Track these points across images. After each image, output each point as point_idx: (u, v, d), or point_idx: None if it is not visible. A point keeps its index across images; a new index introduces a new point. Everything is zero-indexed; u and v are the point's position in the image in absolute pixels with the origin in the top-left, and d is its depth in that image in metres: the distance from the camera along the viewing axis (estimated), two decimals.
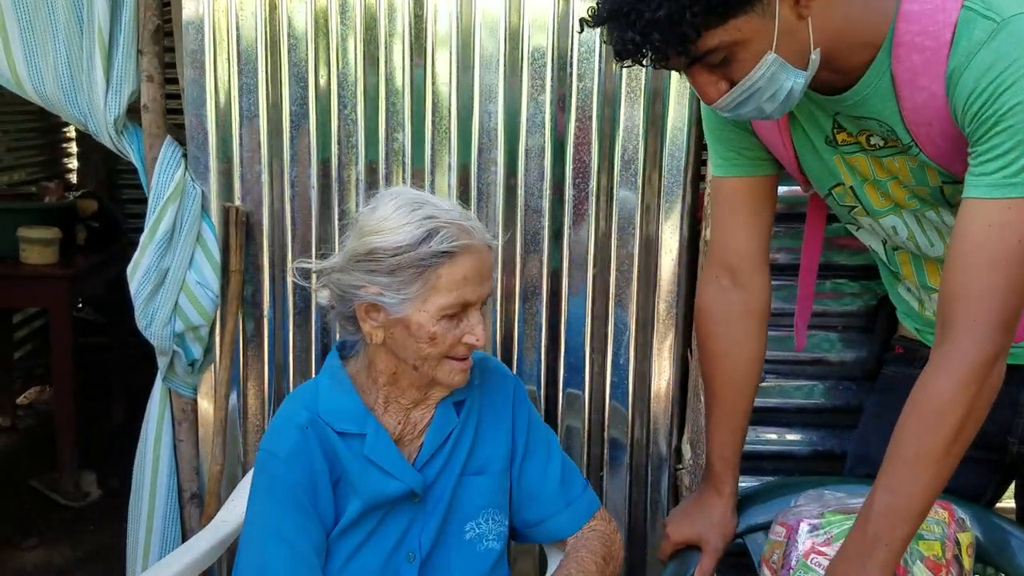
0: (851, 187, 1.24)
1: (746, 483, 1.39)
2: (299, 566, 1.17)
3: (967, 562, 1.19)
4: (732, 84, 1.03)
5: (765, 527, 1.31)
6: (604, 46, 1.74)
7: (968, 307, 1.02)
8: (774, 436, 1.82)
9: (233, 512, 1.48)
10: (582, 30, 1.06)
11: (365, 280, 1.14)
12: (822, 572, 1.15)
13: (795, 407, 1.82)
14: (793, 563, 1.18)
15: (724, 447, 1.34)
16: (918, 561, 1.14)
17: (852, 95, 1.10)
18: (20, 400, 3.60)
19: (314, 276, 1.21)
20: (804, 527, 1.20)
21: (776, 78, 1.02)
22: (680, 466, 1.86)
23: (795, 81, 1.03)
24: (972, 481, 1.37)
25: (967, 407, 1.03)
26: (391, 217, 1.14)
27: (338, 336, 1.32)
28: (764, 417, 1.80)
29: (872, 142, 1.16)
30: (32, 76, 1.73)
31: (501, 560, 1.30)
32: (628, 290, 1.84)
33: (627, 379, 1.86)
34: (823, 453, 1.81)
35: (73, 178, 4.05)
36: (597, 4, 1.01)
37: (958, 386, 1.03)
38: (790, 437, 1.82)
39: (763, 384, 1.80)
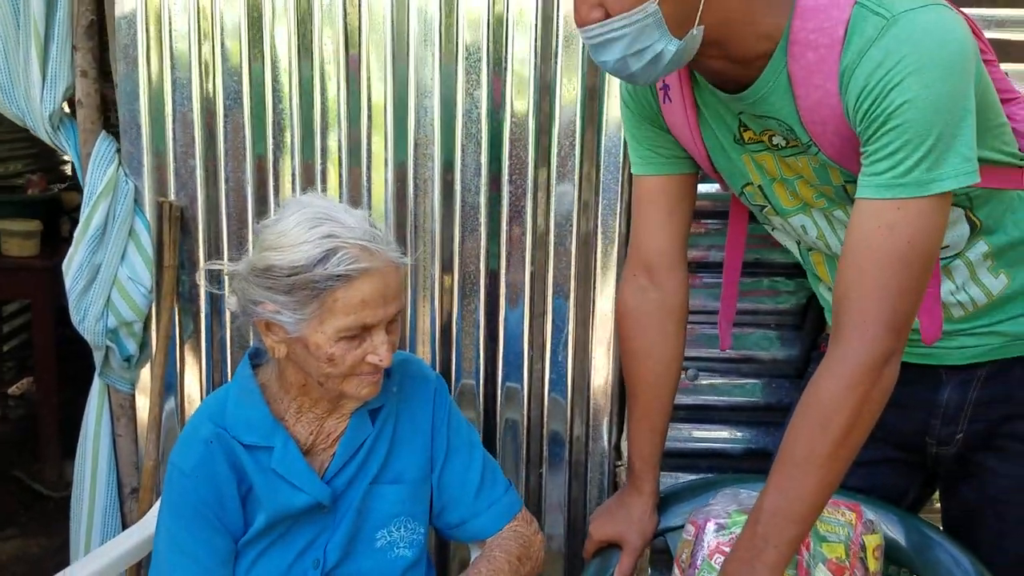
0: (759, 186, 1.23)
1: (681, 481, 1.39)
2: None
3: (873, 564, 1.19)
4: (608, 16, 0.99)
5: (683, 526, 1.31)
6: (539, 42, 1.74)
7: (858, 307, 1.01)
8: (708, 434, 1.82)
9: None
10: None
11: (263, 296, 1.12)
12: None
13: (729, 405, 1.82)
14: (698, 563, 1.18)
15: (643, 446, 1.34)
16: (820, 564, 1.13)
17: (751, 93, 1.09)
18: (12, 391, 3.63)
19: (226, 280, 1.21)
20: (711, 526, 1.20)
21: (648, 32, 0.99)
22: (620, 463, 1.86)
23: (666, 47, 1.00)
24: (892, 483, 1.37)
25: (855, 409, 1.02)
26: (290, 233, 1.11)
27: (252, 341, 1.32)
28: (698, 415, 1.80)
29: (775, 142, 1.15)
30: None
31: (416, 566, 1.30)
32: (566, 286, 1.84)
33: (566, 375, 1.86)
34: (757, 451, 1.81)
35: (68, 170, 4.06)
36: None
37: (846, 387, 1.01)
38: (724, 435, 1.81)
39: (697, 382, 1.81)
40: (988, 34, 1.22)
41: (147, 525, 1.46)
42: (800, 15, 1.03)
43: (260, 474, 1.20)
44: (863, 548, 1.18)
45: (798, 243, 1.31)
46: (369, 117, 1.78)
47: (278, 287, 1.11)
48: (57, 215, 2.95)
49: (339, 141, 1.78)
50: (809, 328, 1.56)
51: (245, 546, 1.22)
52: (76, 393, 1.92)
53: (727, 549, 1.16)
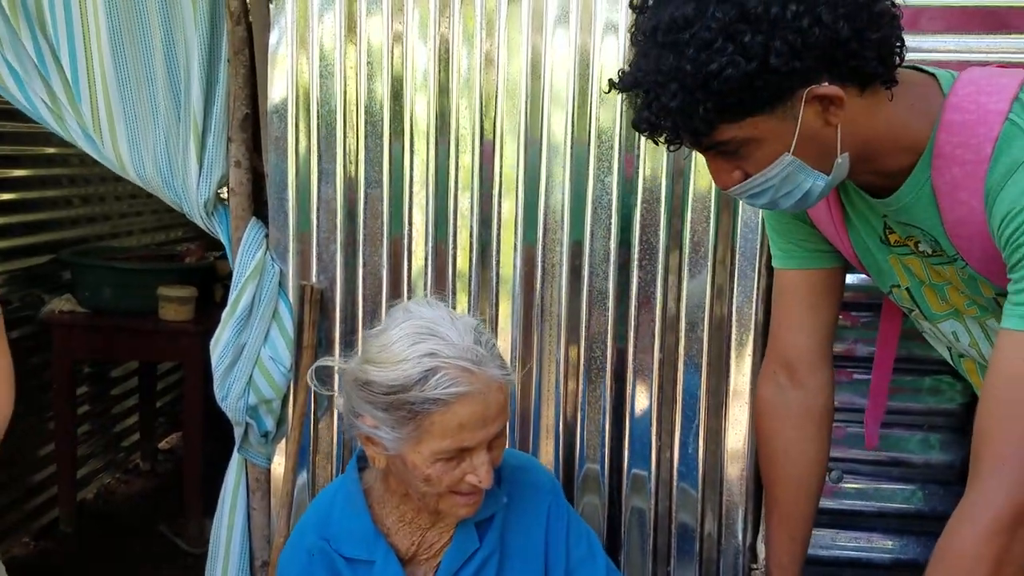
0: (907, 288, 1.16)
1: None
2: None
3: None
4: (747, 175, 0.99)
5: None
6: None
7: (998, 448, 0.93)
8: (854, 542, 1.70)
9: None
10: (609, 91, 1.02)
11: (364, 409, 1.10)
12: None
13: (876, 511, 1.70)
14: None
15: (782, 554, 1.27)
16: None
17: (895, 201, 1.04)
18: (162, 445, 3.85)
19: (336, 377, 1.17)
20: None
21: (793, 178, 0.97)
22: (755, 566, 1.76)
23: (814, 183, 0.98)
24: None
25: (993, 564, 0.92)
26: (392, 347, 1.08)
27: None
28: (843, 520, 1.69)
29: (921, 248, 1.09)
30: (134, 160, 1.87)
31: None
32: (698, 373, 1.78)
33: (696, 467, 1.80)
34: (906, 561, 1.68)
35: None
36: (628, 67, 0.98)
37: (982, 538, 0.92)
38: (871, 543, 1.69)
39: (841, 485, 1.70)
40: None
41: None
42: (946, 128, 0.98)
43: None
44: None
45: (949, 349, 1.22)
46: (500, 201, 1.80)
47: (377, 403, 1.08)
48: (211, 282, 3.08)
49: (470, 225, 1.81)
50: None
51: None
52: (222, 451, 1.99)
53: None
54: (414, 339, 1.07)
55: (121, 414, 3.63)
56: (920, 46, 1.61)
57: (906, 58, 0.98)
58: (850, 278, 1.34)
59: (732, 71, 0.88)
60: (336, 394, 1.18)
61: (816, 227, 1.21)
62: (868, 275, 1.23)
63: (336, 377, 1.17)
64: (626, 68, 0.98)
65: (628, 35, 1.01)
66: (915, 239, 1.08)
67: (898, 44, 0.96)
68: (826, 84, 0.92)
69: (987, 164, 0.94)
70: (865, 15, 0.91)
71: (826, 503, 1.68)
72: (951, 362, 1.25)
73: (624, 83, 0.97)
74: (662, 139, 0.97)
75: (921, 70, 1.05)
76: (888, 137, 0.99)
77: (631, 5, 0.99)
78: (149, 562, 2.92)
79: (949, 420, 1.66)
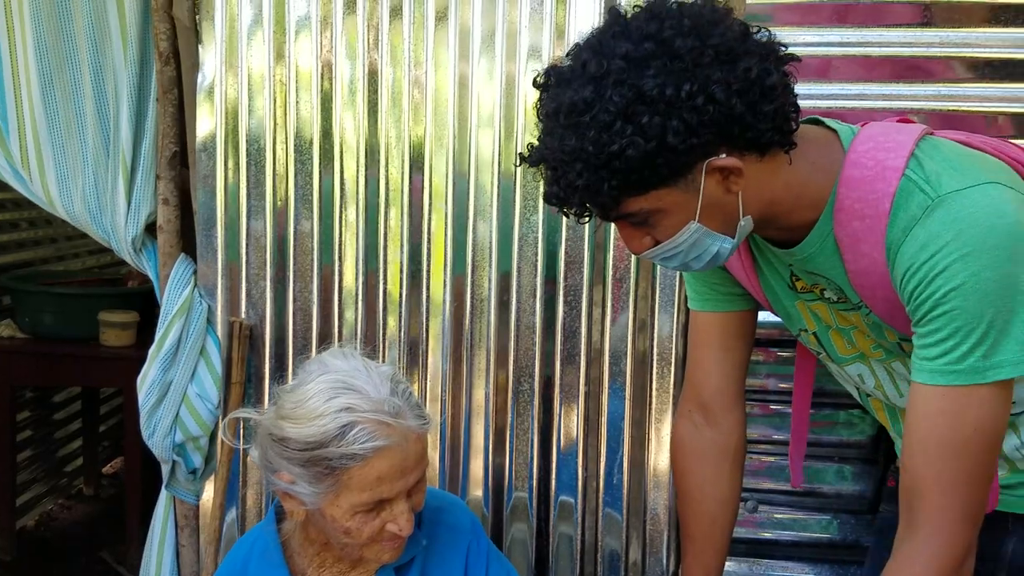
0: (814, 333, 1.21)
1: None
2: None
3: None
4: (657, 242, 1.03)
5: None
6: None
7: (930, 500, 0.98)
8: (770, 570, 1.75)
9: None
10: (519, 165, 1.06)
11: (280, 465, 1.10)
12: None
13: (791, 540, 1.75)
14: None
15: None
16: None
17: (800, 251, 1.09)
18: (106, 469, 3.79)
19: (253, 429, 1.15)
20: None
21: (700, 243, 1.01)
22: None
23: (721, 246, 1.02)
24: None
25: None
26: (308, 403, 1.07)
27: None
28: (760, 549, 1.74)
29: (827, 295, 1.14)
30: (63, 197, 1.87)
31: None
32: (622, 406, 1.83)
33: (621, 495, 1.84)
34: None
35: None
36: (534, 143, 1.01)
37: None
38: (786, 572, 1.74)
39: (756, 514, 1.75)
40: None
41: None
42: (846, 183, 1.02)
43: None
44: None
45: (857, 388, 1.27)
46: (429, 236, 1.83)
47: (294, 459, 1.08)
48: (154, 307, 3.06)
49: (400, 260, 1.84)
50: (882, 461, 1.49)
51: None
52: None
53: None
54: (330, 394, 1.07)
55: (64, 439, 3.58)
56: (827, 93, 1.68)
57: (814, 106, 1.01)
58: (770, 316, 1.38)
59: (632, 151, 0.91)
60: (252, 447, 1.16)
61: (729, 272, 1.25)
62: (779, 317, 1.28)
63: (252, 430, 1.16)
64: (534, 143, 1.01)
65: (535, 111, 1.03)
66: (820, 286, 1.13)
67: (793, 111, 0.99)
68: (724, 156, 0.95)
69: (886, 219, 0.98)
70: (758, 90, 0.94)
71: (744, 533, 1.73)
72: (859, 400, 1.30)
73: (533, 159, 1.01)
74: (572, 212, 1.00)
75: (823, 123, 1.09)
76: (790, 196, 1.03)
77: (534, 84, 1.02)
78: None
79: (860, 452, 1.72)
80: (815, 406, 1.69)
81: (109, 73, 1.83)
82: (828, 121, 1.10)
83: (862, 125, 1.08)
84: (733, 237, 1.02)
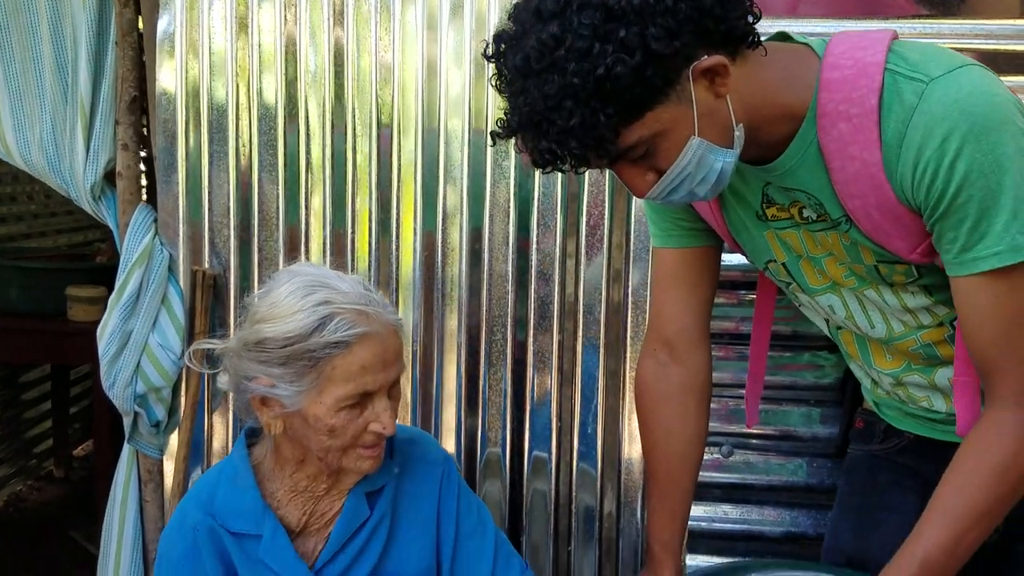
0: (784, 264, 1.18)
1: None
2: None
3: None
4: (660, 174, 0.98)
5: None
6: None
7: (1011, 376, 0.98)
8: (745, 515, 1.73)
9: None
10: (494, 143, 1.01)
11: (258, 370, 1.08)
12: None
13: (766, 484, 1.73)
14: None
15: (663, 530, 1.27)
16: None
17: (779, 165, 1.05)
18: (77, 452, 3.72)
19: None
20: None
21: (704, 161, 0.97)
22: None
23: (724, 160, 0.98)
24: None
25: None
26: (282, 303, 1.07)
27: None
28: (734, 494, 1.71)
29: (804, 215, 1.10)
30: (19, 145, 1.82)
31: None
32: (595, 355, 1.79)
33: (596, 448, 1.80)
34: (796, 535, 1.71)
35: None
36: (505, 114, 0.95)
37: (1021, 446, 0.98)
38: (762, 516, 1.72)
39: (732, 459, 1.73)
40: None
41: None
42: (826, 87, 0.99)
43: (247, 563, 1.14)
44: None
45: (827, 321, 1.24)
46: (399, 186, 1.79)
47: (273, 360, 1.07)
48: None
49: (369, 210, 1.80)
50: (847, 404, 1.47)
51: None
52: None
53: None
54: (305, 291, 1.08)
55: (33, 420, 3.51)
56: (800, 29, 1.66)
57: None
58: (734, 258, 1.36)
59: (621, 68, 0.87)
60: (220, 373, 1.15)
61: (692, 206, 1.22)
62: (743, 253, 1.25)
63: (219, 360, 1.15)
64: (503, 117, 0.95)
65: (493, 86, 0.98)
66: (799, 205, 1.09)
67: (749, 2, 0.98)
68: (706, 57, 0.92)
69: (876, 115, 0.96)
70: None
71: (717, 477, 1.71)
72: (827, 333, 1.27)
73: (510, 127, 0.95)
74: (567, 166, 0.95)
75: (792, 38, 1.06)
76: (770, 104, 1.00)
77: (484, 56, 0.97)
78: (60, 569, 2.82)
79: (831, 395, 1.70)
80: (788, 348, 1.69)
81: (67, 16, 1.78)
82: (797, 36, 1.08)
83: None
84: (732, 148, 0.99)
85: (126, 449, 1.85)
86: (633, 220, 1.76)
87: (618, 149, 0.94)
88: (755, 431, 1.68)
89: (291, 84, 1.78)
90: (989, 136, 0.91)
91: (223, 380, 1.15)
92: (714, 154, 0.97)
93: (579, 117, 0.89)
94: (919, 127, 0.93)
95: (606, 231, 1.77)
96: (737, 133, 0.98)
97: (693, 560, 1.66)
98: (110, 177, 1.83)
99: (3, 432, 3.26)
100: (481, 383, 1.83)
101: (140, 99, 1.81)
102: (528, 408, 1.83)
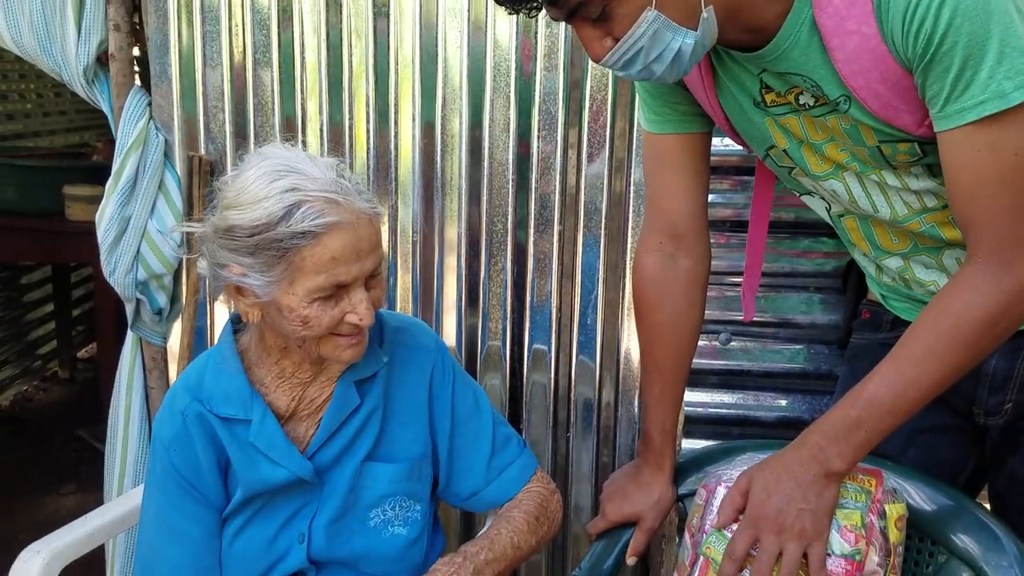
0: (785, 150, 1.15)
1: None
2: (188, 554, 1.16)
3: (895, 535, 1.11)
4: (616, 41, 0.96)
5: None
6: None
7: (989, 233, 0.97)
8: (742, 401, 1.75)
9: None
10: None
11: (229, 258, 1.05)
12: None
13: (763, 371, 1.74)
14: (707, 528, 1.12)
15: (666, 420, 1.28)
16: (834, 531, 1.07)
17: (772, 49, 1.02)
18: (81, 354, 3.76)
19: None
20: (721, 491, 1.13)
21: (660, 37, 0.94)
22: None
23: (683, 41, 0.95)
24: (948, 455, 1.28)
25: (991, 322, 0.98)
26: (250, 188, 1.02)
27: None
28: (731, 381, 1.73)
29: (802, 101, 1.07)
30: (10, 27, 1.76)
31: (415, 544, 1.24)
32: (596, 247, 1.79)
33: (595, 338, 1.82)
34: (793, 420, 1.73)
35: None
36: None
37: (988, 303, 0.97)
38: (758, 402, 1.74)
39: (729, 346, 1.74)
40: None
41: (136, 495, 1.36)
42: None
43: (237, 447, 1.15)
44: (883, 516, 1.10)
45: (828, 209, 1.23)
46: (397, 72, 1.75)
47: (242, 248, 1.03)
48: None
49: (367, 99, 1.76)
50: (851, 292, 1.47)
51: (228, 518, 1.19)
52: None
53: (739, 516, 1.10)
54: (272, 176, 1.02)
55: (36, 322, 3.53)
56: None
57: None
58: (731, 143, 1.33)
59: None
60: (199, 258, 1.12)
61: (687, 90, 1.18)
62: (738, 142, 1.22)
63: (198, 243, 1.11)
64: None
65: None
66: (797, 89, 1.06)
67: None
68: None
69: None
70: None
71: (714, 364, 1.72)
72: (829, 221, 1.26)
73: None
74: (524, 6, 0.93)
75: None
76: None
77: None
78: (67, 466, 2.89)
79: (832, 282, 1.70)
80: (788, 234, 1.68)
81: None
82: None
83: None
84: (694, 30, 0.95)
85: (130, 336, 1.86)
86: (637, 108, 1.72)
87: (570, 2, 0.92)
88: (753, 318, 1.69)
89: None
90: None
91: (202, 265, 1.12)
92: (672, 32, 0.94)
93: None
94: None
95: (608, 119, 1.73)
96: (704, 15, 0.94)
97: (688, 444, 1.69)
98: (105, 63, 1.78)
99: (6, 333, 3.29)
100: (482, 275, 1.83)
101: None
102: (528, 301, 1.83)
